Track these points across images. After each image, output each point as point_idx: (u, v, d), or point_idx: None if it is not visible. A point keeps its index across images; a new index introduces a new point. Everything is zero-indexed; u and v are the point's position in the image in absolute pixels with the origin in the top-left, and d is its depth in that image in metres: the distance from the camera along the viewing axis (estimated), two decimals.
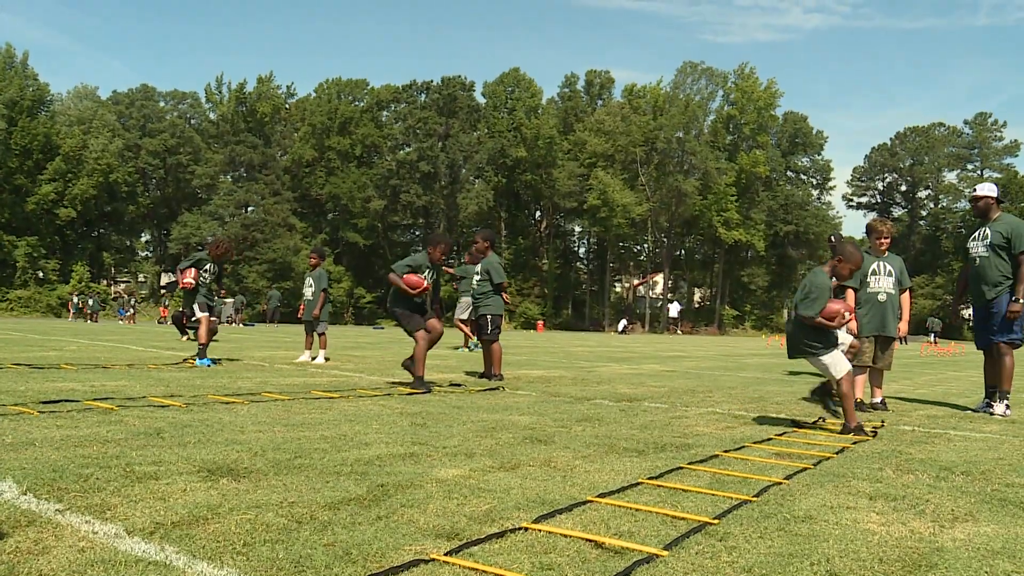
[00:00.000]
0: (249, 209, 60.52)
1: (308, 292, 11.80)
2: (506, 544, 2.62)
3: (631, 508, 3.16)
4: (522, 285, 62.93)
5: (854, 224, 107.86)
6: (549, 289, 64.56)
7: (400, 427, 5.12)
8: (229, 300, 42.60)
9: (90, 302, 41.63)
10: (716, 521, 2.99)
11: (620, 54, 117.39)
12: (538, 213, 70.48)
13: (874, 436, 5.57)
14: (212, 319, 10.22)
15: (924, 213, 76.64)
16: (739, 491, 3.53)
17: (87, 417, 4.98)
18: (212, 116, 65.94)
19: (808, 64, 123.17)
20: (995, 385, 7.38)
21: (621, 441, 4.89)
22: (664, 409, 6.83)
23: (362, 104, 64.97)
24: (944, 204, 74.25)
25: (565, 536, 2.73)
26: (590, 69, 69.40)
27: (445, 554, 2.47)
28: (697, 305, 71.59)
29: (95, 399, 5.89)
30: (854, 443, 5.15)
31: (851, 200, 79.81)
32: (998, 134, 72.53)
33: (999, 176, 67.08)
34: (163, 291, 55.50)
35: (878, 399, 7.47)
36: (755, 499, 3.38)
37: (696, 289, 73.75)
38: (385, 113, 65.88)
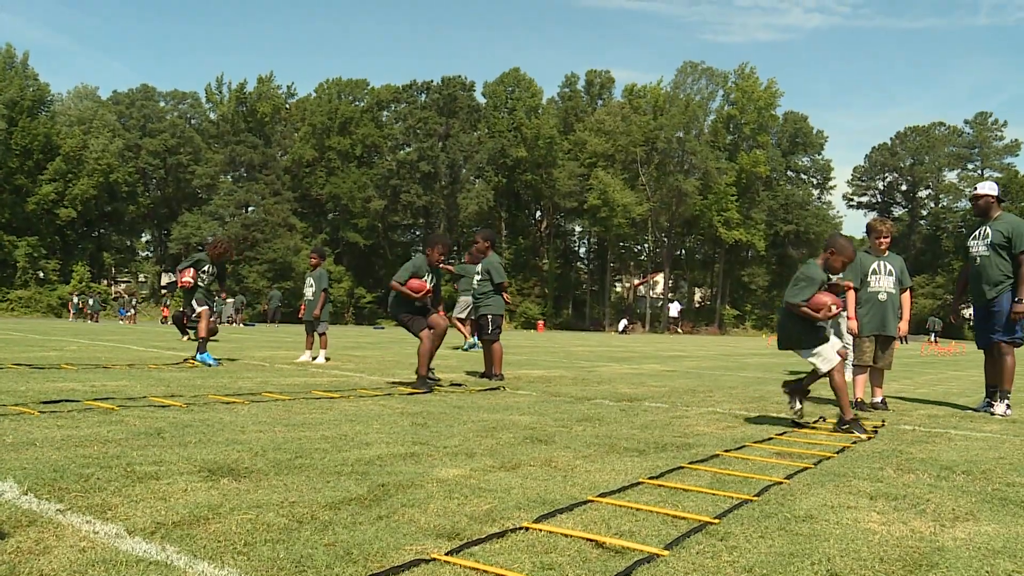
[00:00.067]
0: (249, 209, 60.53)
1: (309, 292, 11.80)
2: (507, 544, 2.62)
3: (632, 508, 3.16)
4: (522, 285, 62.95)
5: (854, 223, 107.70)
6: (549, 289, 64.57)
7: (401, 427, 5.12)
8: (230, 300, 42.60)
9: (90, 302, 41.64)
10: (717, 521, 2.99)
11: (620, 54, 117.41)
12: (538, 213, 70.49)
13: (874, 434, 5.59)
14: (212, 319, 10.23)
15: (924, 213, 76.62)
16: (740, 491, 3.53)
17: (88, 417, 4.98)
18: (212, 116, 65.95)
19: (808, 64, 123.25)
20: (996, 385, 7.38)
21: (622, 441, 4.89)
22: (665, 409, 6.83)
23: (362, 104, 64.98)
24: (944, 204, 74.23)
25: (566, 536, 2.73)
26: (590, 69, 69.56)
27: (446, 554, 2.47)
28: (697, 305, 71.59)
29: (96, 399, 5.89)
30: (854, 442, 5.15)
31: (851, 200, 79.82)
32: (998, 133, 72.52)
33: (999, 175, 67.07)
34: (163, 291, 55.53)
35: (878, 398, 7.47)
36: (756, 499, 3.38)
37: (696, 289, 73.76)
38: (385, 113, 65.90)
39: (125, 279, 64.85)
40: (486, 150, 61.91)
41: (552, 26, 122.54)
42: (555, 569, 2.39)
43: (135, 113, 62.37)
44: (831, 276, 5.89)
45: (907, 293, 7.69)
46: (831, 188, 74.73)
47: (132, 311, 41.21)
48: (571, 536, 2.73)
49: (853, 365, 7.80)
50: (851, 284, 7.76)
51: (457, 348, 15.88)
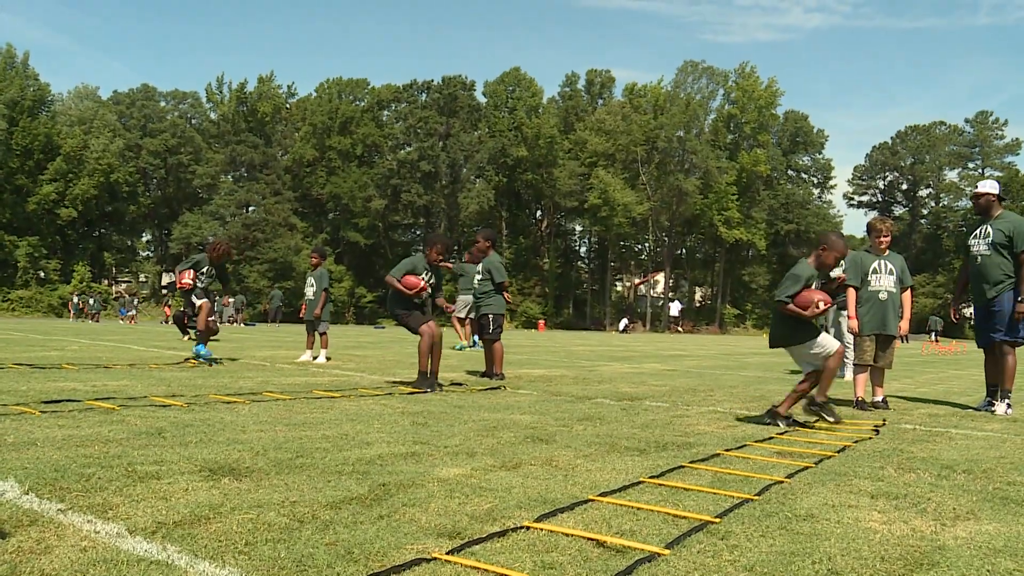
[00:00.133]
0: (250, 209, 60.52)
1: (309, 292, 11.80)
2: (508, 543, 2.62)
3: (633, 507, 3.16)
4: (523, 284, 62.93)
5: (855, 223, 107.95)
6: (550, 288, 64.55)
7: (401, 426, 5.13)
8: (230, 300, 42.60)
9: (91, 302, 41.65)
10: (718, 520, 2.99)
11: (621, 54, 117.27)
12: (539, 212, 70.46)
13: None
14: (211, 319, 10.24)
15: (925, 212, 76.56)
16: (741, 490, 3.54)
17: (89, 417, 4.99)
18: (213, 116, 65.93)
19: (809, 63, 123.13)
20: (996, 384, 7.38)
21: (622, 440, 4.89)
22: (665, 408, 6.83)
23: (363, 104, 64.96)
24: (945, 203, 74.18)
25: (567, 535, 2.73)
26: (591, 68, 69.46)
27: (447, 553, 2.47)
28: (698, 304, 71.56)
29: (97, 399, 5.89)
30: (855, 442, 5.15)
31: (852, 199, 79.76)
32: (999, 132, 72.42)
33: (1000, 174, 67.01)
34: (164, 291, 55.53)
35: (879, 398, 7.46)
36: (757, 498, 3.38)
37: (697, 288, 73.74)
38: (386, 113, 65.88)
39: (126, 279, 64.86)
40: (487, 149, 61.90)
41: (552, 26, 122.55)
42: (556, 568, 2.39)
43: (136, 113, 62.36)
44: (831, 274, 5.92)
45: (908, 292, 7.69)
46: (832, 187, 74.73)
47: (133, 311, 41.20)
48: (572, 535, 2.73)
49: (854, 364, 7.80)
50: (844, 277, 7.78)
51: (451, 347, 15.88)
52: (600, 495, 3.33)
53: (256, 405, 5.93)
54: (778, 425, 5.78)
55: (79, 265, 52.98)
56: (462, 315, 15.77)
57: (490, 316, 9.42)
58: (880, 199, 78.74)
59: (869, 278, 7.47)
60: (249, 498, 3.07)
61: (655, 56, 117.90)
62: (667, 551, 2.58)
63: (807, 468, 4.13)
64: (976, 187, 7.52)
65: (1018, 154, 71.46)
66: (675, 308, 59.61)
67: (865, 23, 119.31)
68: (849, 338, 10.30)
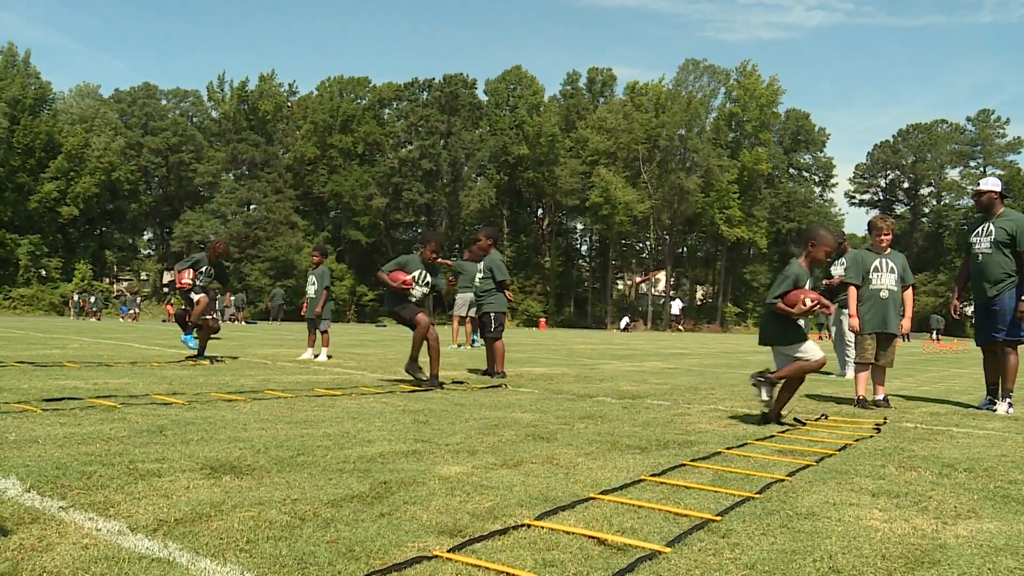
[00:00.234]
0: (251, 207, 60.52)
1: (311, 290, 11.81)
2: (509, 541, 2.63)
3: (634, 505, 3.16)
4: (524, 283, 62.92)
5: (856, 221, 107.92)
6: (551, 287, 64.55)
7: (403, 424, 5.13)
8: (231, 298, 42.60)
9: (92, 300, 41.67)
10: (719, 518, 2.99)
11: (622, 52, 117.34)
12: (540, 211, 70.46)
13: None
14: (208, 317, 10.25)
15: (927, 210, 76.52)
16: (742, 488, 3.54)
17: (90, 415, 4.99)
18: (214, 114, 65.95)
19: (810, 62, 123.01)
20: (996, 382, 7.38)
21: (624, 438, 4.89)
22: (667, 406, 6.83)
23: (364, 102, 64.95)
24: (947, 201, 74.13)
25: (568, 533, 2.73)
26: (592, 67, 69.33)
27: (448, 551, 2.47)
28: (699, 303, 71.56)
29: (98, 397, 5.89)
30: (857, 440, 5.14)
31: (853, 197, 79.72)
32: (1001, 131, 72.34)
33: (1002, 173, 66.91)
34: (165, 289, 55.58)
35: (880, 396, 7.46)
36: (758, 496, 3.38)
37: (698, 286, 73.72)
38: (387, 111, 65.86)
39: (127, 277, 64.91)
40: (488, 148, 61.88)
41: (553, 25, 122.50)
42: (557, 566, 2.39)
43: (137, 111, 62.40)
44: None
45: (909, 291, 7.67)
46: (833, 186, 74.69)
47: (135, 309, 41.21)
48: (573, 533, 2.73)
49: (855, 363, 7.80)
50: (844, 276, 7.79)
51: (459, 346, 15.88)
52: (601, 493, 3.33)
53: (257, 403, 5.94)
54: (789, 425, 5.77)
55: (80, 263, 53.02)
56: (462, 313, 15.77)
57: (491, 314, 9.42)
58: (881, 197, 78.69)
59: (870, 276, 7.46)
60: (250, 496, 3.08)
61: (656, 54, 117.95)
62: (668, 549, 2.58)
63: (808, 466, 4.13)
64: (978, 184, 7.50)
65: (1020, 152, 71.47)
66: (676, 306, 59.58)
67: (867, 21, 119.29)
68: (850, 336, 10.31)
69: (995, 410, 7.15)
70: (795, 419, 5.98)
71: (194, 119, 66.77)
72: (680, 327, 57.72)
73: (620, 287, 71.47)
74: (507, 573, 2.30)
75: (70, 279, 51.91)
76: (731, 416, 6.26)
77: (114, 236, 59.98)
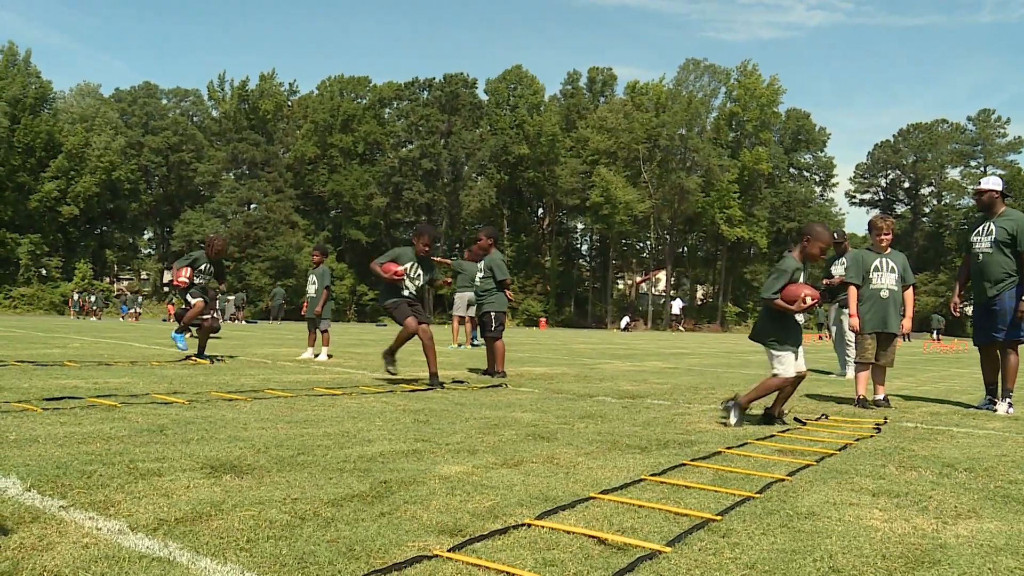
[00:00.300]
0: (251, 206, 60.56)
1: (311, 289, 11.81)
2: (509, 540, 2.62)
3: (634, 505, 3.16)
4: (525, 282, 62.94)
5: (857, 221, 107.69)
6: (552, 286, 64.56)
7: (403, 424, 5.13)
8: (231, 297, 42.61)
9: (92, 299, 41.68)
10: (719, 518, 2.99)
11: (622, 52, 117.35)
12: (540, 210, 70.46)
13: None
14: (208, 316, 10.25)
15: (927, 210, 76.50)
16: (742, 488, 3.53)
17: (90, 414, 4.99)
18: (215, 113, 65.99)
19: (811, 61, 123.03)
20: (994, 382, 7.38)
21: (624, 438, 4.89)
22: (667, 406, 6.83)
23: (364, 101, 64.97)
24: (947, 201, 74.12)
25: (568, 532, 2.73)
26: (592, 66, 69.36)
27: (448, 550, 2.47)
28: (700, 302, 71.56)
29: (98, 396, 5.90)
30: (857, 440, 5.14)
31: (854, 197, 79.71)
32: (1001, 131, 72.30)
33: (1002, 173, 66.86)
34: (165, 288, 55.59)
35: (880, 396, 7.46)
36: (758, 496, 3.38)
37: (699, 286, 73.73)
38: (387, 110, 65.88)
39: (127, 276, 64.94)
40: (488, 147, 61.88)
41: (554, 24, 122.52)
42: (557, 566, 2.39)
43: (137, 111, 62.45)
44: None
45: (910, 290, 7.67)
46: (833, 185, 74.69)
47: (135, 309, 41.23)
48: (573, 533, 2.73)
49: (855, 362, 7.80)
50: (844, 276, 7.78)
51: (460, 346, 15.88)
52: (601, 493, 3.33)
53: (258, 402, 5.94)
54: (786, 426, 5.78)
55: (81, 263, 53.05)
56: (462, 313, 15.77)
57: (492, 314, 9.41)
58: (882, 197, 78.67)
59: (870, 276, 7.46)
60: (251, 495, 3.08)
61: (657, 54, 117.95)
62: (668, 549, 2.58)
63: (808, 466, 4.13)
64: (979, 183, 7.49)
65: (1020, 152, 71.42)
66: (677, 306, 59.60)
67: (867, 21, 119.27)
68: (851, 336, 10.31)
69: (995, 410, 7.15)
70: (795, 419, 5.97)
71: (194, 118, 66.81)
72: (680, 327, 57.72)
73: (620, 287, 71.48)
74: (507, 572, 2.30)
75: (70, 278, 51.95)
76: None
77: (114, 235, 60.03)
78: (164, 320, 37.87)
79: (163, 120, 62.61)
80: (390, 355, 7.94)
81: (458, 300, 15.72)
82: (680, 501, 3.26)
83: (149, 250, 67.10)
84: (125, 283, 62.14)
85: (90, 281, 52.00)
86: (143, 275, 64.22)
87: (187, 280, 9.89)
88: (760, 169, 63.68)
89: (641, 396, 7.60)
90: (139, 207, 59.68)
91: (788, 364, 5.67)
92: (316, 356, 11.34)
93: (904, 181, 78.06)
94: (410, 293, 7.91)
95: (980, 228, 7.30)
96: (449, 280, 8.19)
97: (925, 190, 76.75)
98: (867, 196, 79.43)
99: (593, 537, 2.69)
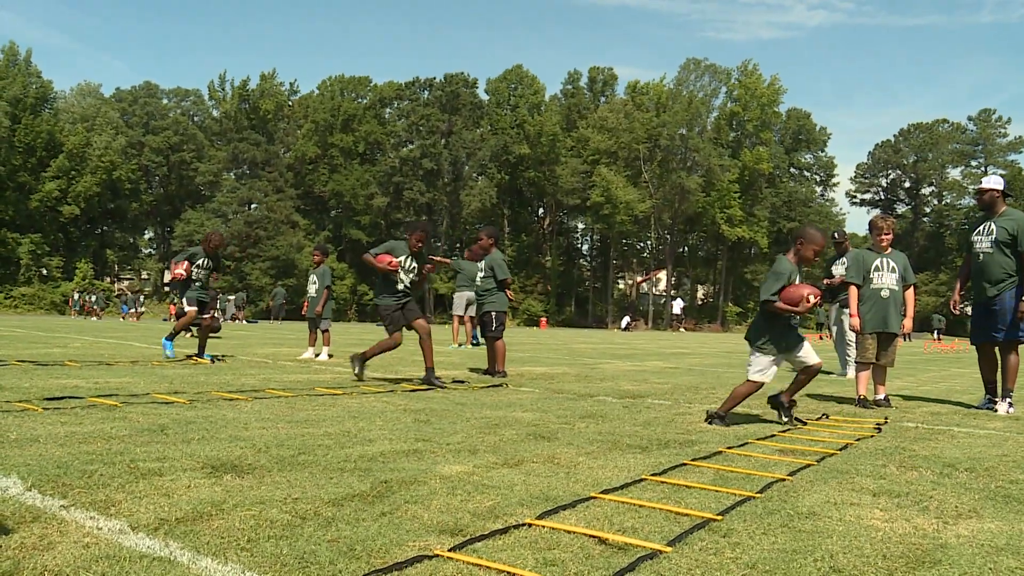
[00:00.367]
0: (252, 206, 60.56)
1: (312, 289, 11.82)
2: (510, 540, 2.62)
3: (635, 504, 3.16)
4: (525, 282, 62.93)
5: (858, 221, 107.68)
6: (552, 286, 64.54)
7: (404, 424, 5.13)
8: (231, 297, 42.63)
9: (93, 299, 41.68)
10: (720, 517, 2.99)
11: (623, 52, 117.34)
12: (541, 210, 70.44)
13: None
14: (208, 316, 10.25)
15: (928, 210, 76.48)
16: (743, 487, 3.53)
17: (91, 414, 4.99)
18: (215, 113, 65.98)
19: (811, 61, 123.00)
20: (993, 380, 7.37)
21: (624, 438, 4.89)
22: (667, 406, 6.83)
23: (365, 101, 64.93)
24: (948, 201, 74.10)
25: (569, 532, 2.73)
26: (593, 66, 69.34)
27: (449, 550, 2.47)
28: (700, 302, 71.53)
29: (99, 396, 5.90)
30: (858, 440, 5.14)
31: (855, 197, 79.69)
32: (1002, 131, 72.26)
33: (1003, 172, 66.82)
34: (167, 288, 55.57)
35: (881, 396, 7.46)
36: (759, 495, 3.38)
37: (699, 286, 73.70)
38: (388, 110, 65.85)
39: (128, 276, 64.94)
40: (489, 147, 61.86)
41: (554, 24, 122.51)
42: (558, 565, 2.39)
43: (138, 110, 62.45)
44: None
45: (910, 290, 7.67)
46: (834, 185, 74.67)
47: (135, 308, 41.22)
48: (574, 532, 2.73)
49: (856, 362, 7.80)
50: (844, 276, 7.77)
51: (460, 345, 15.88)
52: (602, 492, 3.33)
53: (258, 402, 5.94)
54: (782, 416, 5.78)
55: (81, 262, 53.03)
56: (461, 312, 15.77)
57: (493, 314, 9.41)
58: (883, 197, 78.65)
59: (871, 276, 7.46)
60: (251, 495, 3.08)
61: (657, 54, 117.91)
62: (669, 548, 2.58)
63: (809, 466, 4.13)
64: (980, 182, 7.48)
65: (1021, 152, 71.38)
66: (677, 306, 59.57)
67: (868, 20, 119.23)
68: (851, 336, 10.32)
69: (995, 410, 7.15)
70: (796, 419, 5.97)
71: (195, 118, 66.82)
72: (681, 327, 57.72)
73: (621, 286, 71.47)
74: (508, 572, 2.30)
75: (71, 278, 51.93)
76: (732, 415, 6.25)
77: (115, 235, 60.01)
78: (165, 320, 37.87)
79: (164, 120, 62.62)
80: (363, 361, 7.96)
81: (457, 299, 15.73)
82: (681, 501, 3.26)
83: (150, 250, 67.12)
84: (126, 283, 62.12)
85: (91, 281, 51.99)
86: (144, 275, 64.20)
87: (185, 273, 9.89)
88: (761, 169, 63.65)
89: (642, 396, 7.60)
90: (140, 207, 59.66)
91: (766, 370, 5.65)
92: (317, 356, 11.34)
93: (905, 181, 78.03)
94: (404, 287, 7.94)
95: (981, 228, 7.28)
96: (431, 265, 8.17)
97: (926, 190, 76.74)
98: (868, 196, 79.43)
99: (594, 537, 2.69)
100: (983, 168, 71.32)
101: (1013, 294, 7.02)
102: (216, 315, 11.37)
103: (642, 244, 69.17)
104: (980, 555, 2.67)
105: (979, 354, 7.48)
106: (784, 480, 3.73)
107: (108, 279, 59.04)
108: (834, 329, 11.58)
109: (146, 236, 66.93)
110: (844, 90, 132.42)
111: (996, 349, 7.30)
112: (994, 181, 7.33)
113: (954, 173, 74.36)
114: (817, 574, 2.43)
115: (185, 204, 62.30)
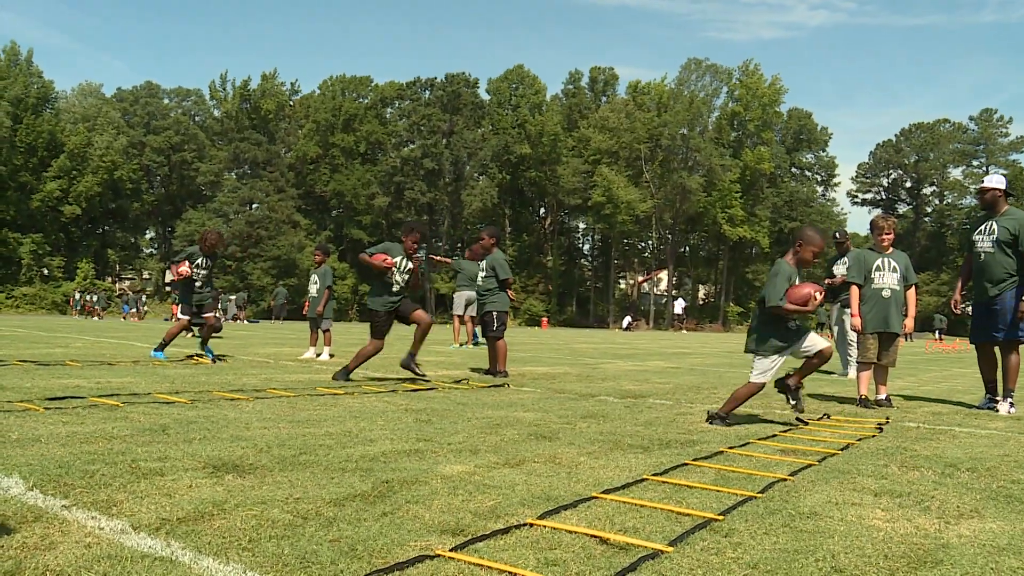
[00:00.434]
0: (253, 206, 60.54)
1: (313, 289, 11.82)
2: (511, 540, 2.62)
3: (636, 504, 3.16)
4: (526, 282, 62.93)
5: (859, 221, 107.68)
6: (553, 286, 64.54)
7: (405, 423, 5.13)
8: (232, 297, 42.63)
9: (94, 299, 41.69)
10: (721, 517, 2.99)
11: (624, 52, 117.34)
12: (542, 210, 70.43)
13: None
14: (210, 315, 10.26)
15: (929, 210, 76.43)
16: (744, 487, 3.53)
17: (93, 413, 5.00)
18: (216, 113, 65.97)
19: (812, 61, 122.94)
20: (994, 380, 7.37)
21: (626, 437, 4.89)
22: (669, 405, 6.83)
23: (366, 101, 64.94)
24: (949, 200, 74.05)
25: (570, 532, 2.73)
26: (594, 66, 69.33)
27: (450, 550, 2.47)
28: (701, 302, 71.52)
29: (100, 395, 5.90)
30: (859, 439, 5.14)
31: (856, 197, 79.65)
32: (1003, 130, 72.20)
33: (1005, 172, 66.74)
34: (168, 288, 55.58)
35: (882, 396, 7.45)
36: (760, 495, 3.38)
37: (700, 286, 73.70)
38: (389, 110, 65.84)
39: (130, 276, 64.97)
40: (490, 147, 61.84)
41: (555, 24, 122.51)
42: (559, 565, 2.39)
43: (139, 110, 62.48)
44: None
45: (912, 290, 7.66)
46: (835, 185, 74.66)
47: (136, 308, 41.23)
48: (575, 532, 2.73)
49: (857, 362, 7.80)
50: (846, 276, 7.76)
51: (462, 345, 15.88)
52: (603, 492, 3.33)
53: (260, 402, 5.94)
54: (789, 399, 5.76)
55: (83, 262, 53.05)
56: (461, 312, 15.78)
57: (494, 313, 9.42)
58: (884, 197, 78.61)
59: (872, 276, 7.45)
60: (253, 495, 3.08)
61: (658, 54, 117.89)
62: (670, 548, 2.58)
63: (810, 466, 4.13)
64: (983, 181, 7.47)
65: (1022, 151, 71.31)
66: (678, 306, 59.54)
67: (869, 20, 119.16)
68: (853, 336, 10.31)
69: (997, 410, 7.14)
70: (797, 419, 5.97)
71: (196, 118, 66.84)
72: (682, 327, 57.70)
73: (622, 286, 71.47)
74: (509, 572, 2.30)
75: (72, 278, 51.95)
76: (733, 415, 6.24)
77: (116, 235, 60.03)
78: (166, 319, 37.88)
79: (165, 120, 62.65)
80: (345, 376, 8.01)
81: (457, 299, 15.74)
82: (682, 501, 3.26)
83: (151, 250, 67.15)
84: (127, 283, 62.15)
85: (92, 281, 52.00)
86: (145, 275, 64.24)
87: (188, 271, 9.93)
88: (762, 169, 63.63)
89: (643, 396, 7.60)
90: (141, 207, 59.69)
91: (768, 372, 5.65)
92: (318, 356, 11.34)
93: (906, 181, 77.99)
94: (398, 287, 7.98)
95: (982, 227, 7.27)
96: (416, 263, 8.22)
97: (927, 190, 76.70)
98: (869, 196, 79.40)
99: (595, 537, 2.69)
100: (984, 168, 71.27)
101: (1014, 294, 7.01)
102: (218, 315, 11.38)
103: (643, 244, 69.16)
104: (982, 555, 2.67)
105: (979, 353, 7.47)
106: (785, 480, 3.73)
107: (109, 279, 59.05)
108: (835, 329, 11.57)
109: (147, 236, 66.99)
110: (845, 90, 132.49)
111: (996, 349, 7.29)
112: (996, 180, 7.31)
113: (955, 173, 74.40)
114: (819, 574, 2.42)
115: (186, 204, 62.33)
